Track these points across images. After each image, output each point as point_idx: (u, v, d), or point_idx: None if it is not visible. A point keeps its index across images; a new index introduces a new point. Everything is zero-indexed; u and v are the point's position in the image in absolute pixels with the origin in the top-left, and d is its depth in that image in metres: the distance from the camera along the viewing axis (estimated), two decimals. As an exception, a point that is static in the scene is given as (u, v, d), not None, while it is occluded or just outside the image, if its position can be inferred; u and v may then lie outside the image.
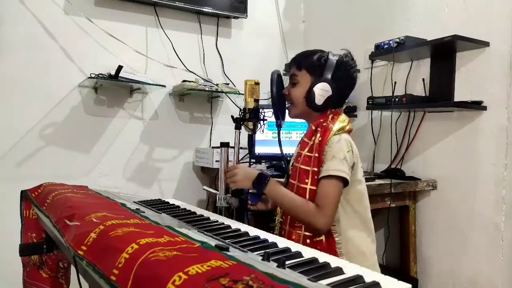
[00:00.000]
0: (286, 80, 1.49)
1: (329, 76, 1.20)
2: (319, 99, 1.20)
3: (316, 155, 1.16)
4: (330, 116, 1.22)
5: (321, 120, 1.22)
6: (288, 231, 1.21)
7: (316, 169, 1.16)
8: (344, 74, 1.23)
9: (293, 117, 1.32)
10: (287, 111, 1.33)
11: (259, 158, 2.24)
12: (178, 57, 2.42)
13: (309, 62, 1.24)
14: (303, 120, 1.35)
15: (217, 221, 1.04)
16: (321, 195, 1.13)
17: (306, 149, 1.20)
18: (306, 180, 1.16)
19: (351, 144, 1.19)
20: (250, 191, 1.34)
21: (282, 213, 1.29)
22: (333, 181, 1.13)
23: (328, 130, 1.18)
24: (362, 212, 1.22)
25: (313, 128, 1.22)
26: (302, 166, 1.18)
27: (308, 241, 1.16)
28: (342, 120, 1.21)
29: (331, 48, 1.29)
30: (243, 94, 1.41)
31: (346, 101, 1.41)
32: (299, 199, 1.16)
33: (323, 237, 1.15)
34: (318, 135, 1.19)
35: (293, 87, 1.28)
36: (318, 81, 1.21)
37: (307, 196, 1.15)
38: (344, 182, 1.14)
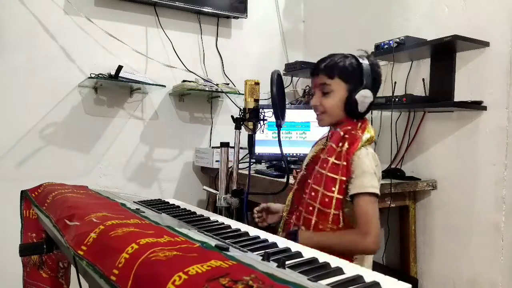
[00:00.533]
0: (286, 80, 1.49)
1: (368, 81, 1.18)
2: (362, 107, 1.19)
3: (344, 163, 1.14)
4: (359, 125, 1.20)
5: (349, 127, 1.20)
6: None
7: (344, 178, 1.13)
8: (375, 76, 1.21)
9: (326, 125, 1.28)
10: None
11: (259, 158, 2.24)
12: (178, 57, 2.42)
13: (342, 69, 1.20)
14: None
15: (217, 221, 1.03)
16: (362, 214, 1.11)
17: (334, 157, 1.17)
18: (333, 189, 1.14)
19: (377, 158, 1.19)
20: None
21: (295, 217, 1.26)
22: (369, 197, 1.12)
23: (357, 140, 1.16)
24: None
25: (341, 134, 1.19)
26: (330, 174, 1.15)
27: None
28: (369, 130, 1.19)
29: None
30: (243, 94, 1.41)
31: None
32: (338, 233, 1.13)
33: None
34: (346, 143, 1.16)
35: (324, 96, 1.22)
36: (359, 88, 1.18)
37: (333, 205, 1.13)
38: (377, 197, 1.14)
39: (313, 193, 1.18)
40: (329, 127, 1.29)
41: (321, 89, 1.22)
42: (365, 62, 1.20)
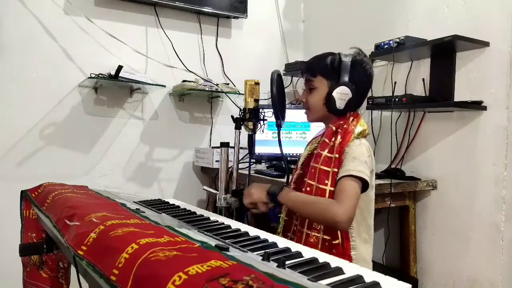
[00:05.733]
0: (286, 80, 1.49)
1: (346, 78, 1.19)
2: (340, 103, 1.20)
3: (337, 155, 1.15)
4: (351, 119, 1.21)
5: (341, 122, 1.21)
6: (306, 233, 1.18)
7: (336, 169, 1.14)
8: (360, 73, 1.22)
9: (312, 121, 1.33)
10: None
11: (259, 158, 2.24)
12: (178, 57, 2.42)
13: (323, 67, 1.23)
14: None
15: (217, 221, 1.03)
16: (340, 191, 1.10)
17: (326, 150, 1.18)
18: (326, 181, 1.14)
19: (370, 150, 1.20)
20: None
21: (295, 217, 1.26)
22: (353, 179, 1.11)
23: (349, 133, 1.17)
24: (368, 218, 1.23)
25: (334, 129, 1.20)
26: (322, 167, 1.16)
27: (326, 244, 1.13)
28: (362, 124, 1.21)
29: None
30: (243, 94, 1.41)
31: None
32: (316, 197, 1.14)
33: (340, 241, 1.13)
34: (339, 136, 1.18)
35: (310, 93, 1.26)
36: (336, 86, 1.19)
37: (327, 197, 1.13)
38: (364, 183, 1.13)
39: (308, 188, 1.19)
40: (324, 125, 1.31)
41: (308, 86, 1.27)
42: (346, 60, 1.21)
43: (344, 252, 1.13)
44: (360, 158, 1.13)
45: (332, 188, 1.13)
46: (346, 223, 1.07)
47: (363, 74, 1.23)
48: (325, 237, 1.14)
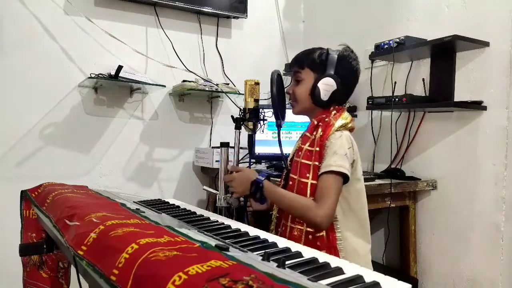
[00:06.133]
0: (286, 80, 1.48)
1: (332, 71, 1.22)
2: (324, 95, 1.22)
3: (317, 149, 1.17)
4: (333, 112, 1.23)
5: (324, 115, 1.23)
6: (290, 226, 1.20)
7: (317, 163, 1.16)
8: (346, 67, 1.25)
9: (297, 113, 1.33)
10: (290, 108, 1.34)
11: (259, 158, 2.24)
12: (178, 57, 2.42)
13: (311, 60, 1.26)
14: (304, 120, 1.35)
15: (217, 221, 1.03)
16: (321, 189, 1.13)
17: (307, 144, 1.20)
18: (308, 175, 1.16)
19: (352, 141, 1.20)
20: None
21: (280, 209, 1.28)
22: (333, 176, 1.13)
23: (330, 126, 1.18)
24: (359, 210, 1.22)
25: (315, 122, 1.23)
26: (303, 161, 1.18)
27: (310, 236, 1.15)
28: (344, 117, 1.22)
29: (332, 48, 1.30)
30: (243, 94, 1.41)
31: (348, 100, 1.41)
32: (297, 196, 1.16)
33: (324, 233, 1.14)
34: (320, 129, 1.19)
35: (296, 84, 1.29)
36: (321, 77, 1.22)
37: (308, 191, 1.15)
38: (344, 178, 1.14)
39: (291, 183, 1.21)
40: (309, 119, 1.32)
41: (295, 78, 1.30)
42: (333, 54, 1.24)
43: (329, 243, 1.14)
44: (340, 152, 1.14)
45: (313, 181, 1.15)
46: (326, 223, 1.11)
47: (349, 69, 1.26)
48: (308, 229, 1.16)
